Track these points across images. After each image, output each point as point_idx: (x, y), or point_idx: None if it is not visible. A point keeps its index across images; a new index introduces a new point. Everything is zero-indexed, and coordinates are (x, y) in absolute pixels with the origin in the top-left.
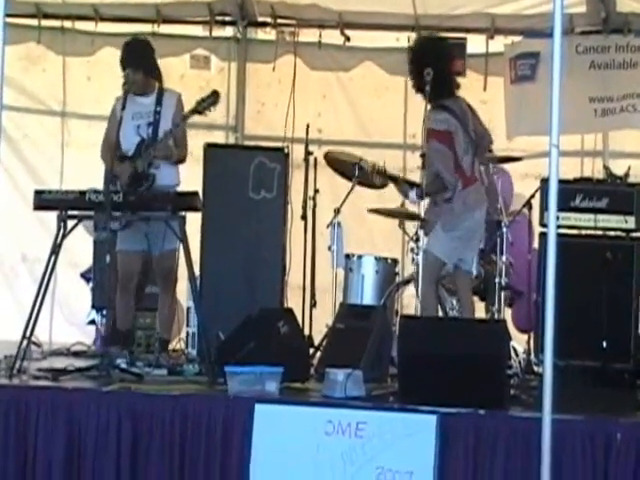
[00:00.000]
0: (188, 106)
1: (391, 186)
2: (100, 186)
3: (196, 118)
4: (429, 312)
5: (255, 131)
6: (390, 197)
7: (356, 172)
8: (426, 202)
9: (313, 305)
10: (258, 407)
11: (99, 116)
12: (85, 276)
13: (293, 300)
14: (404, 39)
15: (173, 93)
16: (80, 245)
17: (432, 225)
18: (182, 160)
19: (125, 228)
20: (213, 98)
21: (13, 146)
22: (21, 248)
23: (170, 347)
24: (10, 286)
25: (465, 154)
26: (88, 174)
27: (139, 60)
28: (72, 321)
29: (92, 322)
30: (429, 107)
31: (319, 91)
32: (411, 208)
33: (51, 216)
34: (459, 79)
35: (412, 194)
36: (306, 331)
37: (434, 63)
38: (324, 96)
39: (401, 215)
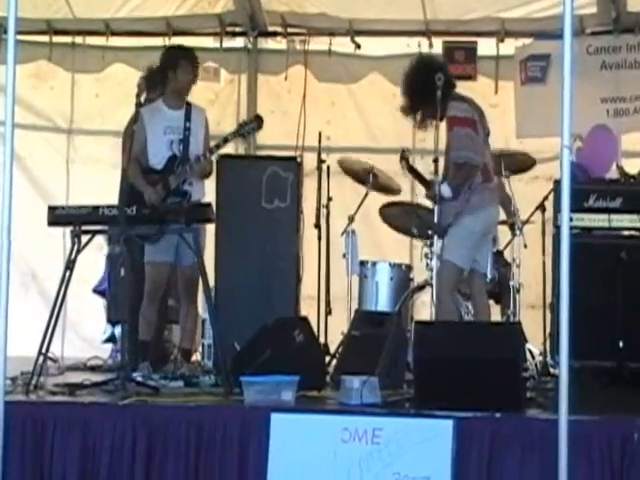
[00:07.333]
0: None
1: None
2: (109, 201)
3: None
4: (450, 319)
5: (264, 141)
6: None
7: (370, 179)
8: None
9: (328, 313)
10: (274, 416)
11: (106, 131)
12: (97, 290)
13: (308, 308)
14: (414, 44)
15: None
16: (88, 262)
17: (447, 218)
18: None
19: (157, 241)
20: (256, 123)
21: (20, 163)
22: (30, 265)
23: None
24: (20, 303)
25: (485, 147)
26: (94, 190)
27: (196, 63)
28: (83, 337)
29: (108, 340)
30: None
31: (328, 99)
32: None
33: (59, 233)
34: (470, 83)
35: (444, 187)
36: (321, 339)
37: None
38: (333, 103)
39: (412, 226)
